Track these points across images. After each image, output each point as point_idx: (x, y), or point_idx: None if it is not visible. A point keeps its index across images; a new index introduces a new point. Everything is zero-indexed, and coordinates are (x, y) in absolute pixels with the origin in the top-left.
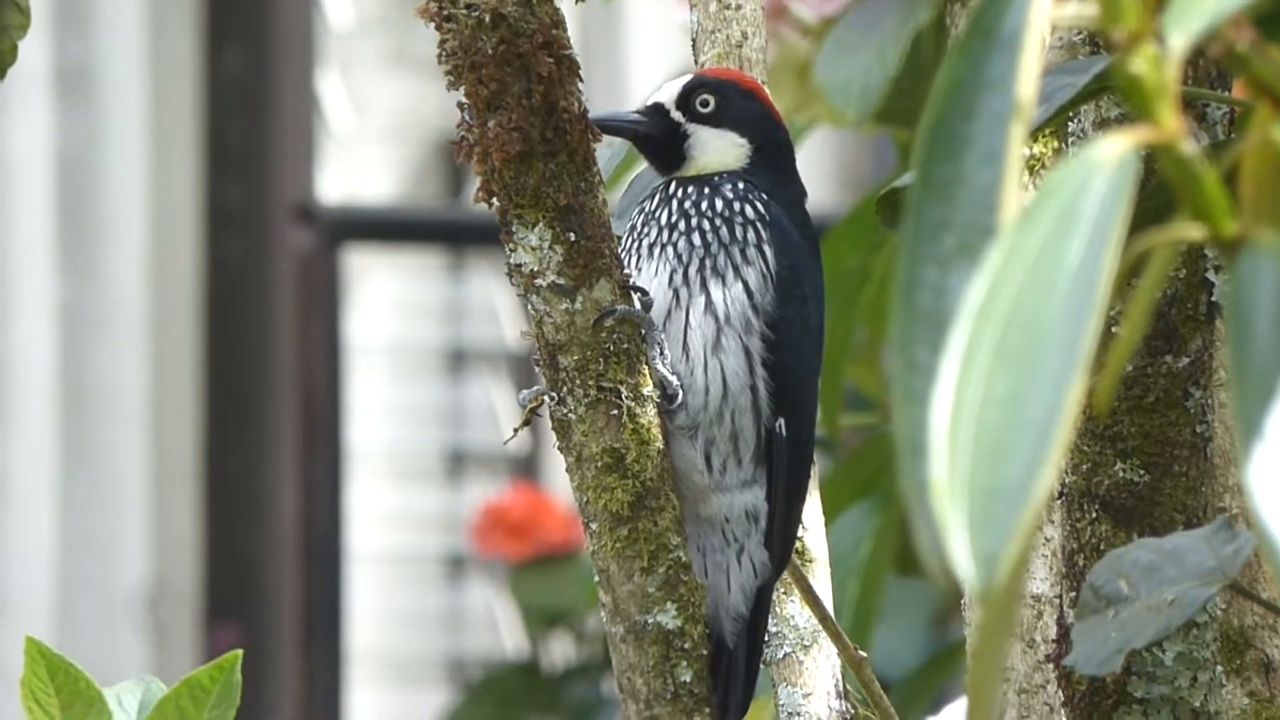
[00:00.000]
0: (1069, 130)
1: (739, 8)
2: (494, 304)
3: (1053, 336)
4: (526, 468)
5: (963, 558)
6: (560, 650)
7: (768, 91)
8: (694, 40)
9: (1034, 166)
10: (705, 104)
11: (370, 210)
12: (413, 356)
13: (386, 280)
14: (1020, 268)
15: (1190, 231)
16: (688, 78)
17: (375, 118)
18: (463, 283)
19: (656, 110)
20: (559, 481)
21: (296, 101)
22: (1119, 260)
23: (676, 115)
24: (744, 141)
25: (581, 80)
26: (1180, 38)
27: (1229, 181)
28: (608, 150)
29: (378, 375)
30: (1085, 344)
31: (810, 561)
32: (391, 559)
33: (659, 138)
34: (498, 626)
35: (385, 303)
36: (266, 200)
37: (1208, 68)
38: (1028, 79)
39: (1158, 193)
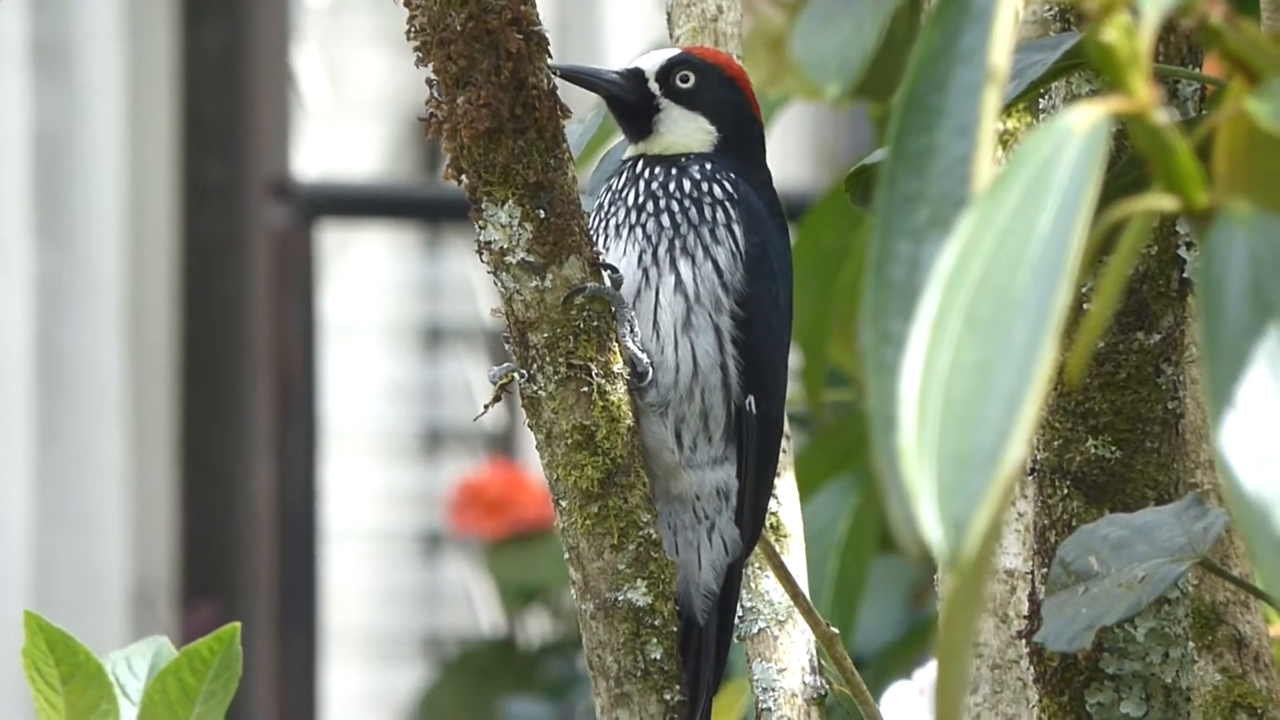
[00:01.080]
0: (1040, 107)
1: None
2: (470, 281)
3: (1023, 305)
4: (503, 444)
5: (932, 524)
6: (536, 627)
7: (750, 79)
8: (669, 14)
9: (1006, 142)
10: (685, 79)
11: (346, 186)
12: (389, 333)
13: (363, 257)
14: (991, 236)
15: (1163, 202)
16: (675, 51)
17: (352, 94)
18: (439, 259)
19: (635, 75)
20: (535, 458)
21: (273, 77)
22: (1092, 230)
23: (654, 86)
24: (712, 129)
25: (551, 56)
26: (1154, 7)
27: (1202, 155)
28: (578, 126)
29: (354, 352)
30: (1055, 312)
31: (785, 537)
32: (368, 536)
33: (631, 103)
34: (474, 603)
35: (361, 279)
36: (243, 176)
37: (1179, 45)
38: (1000, 50)
39: (1130, 168)
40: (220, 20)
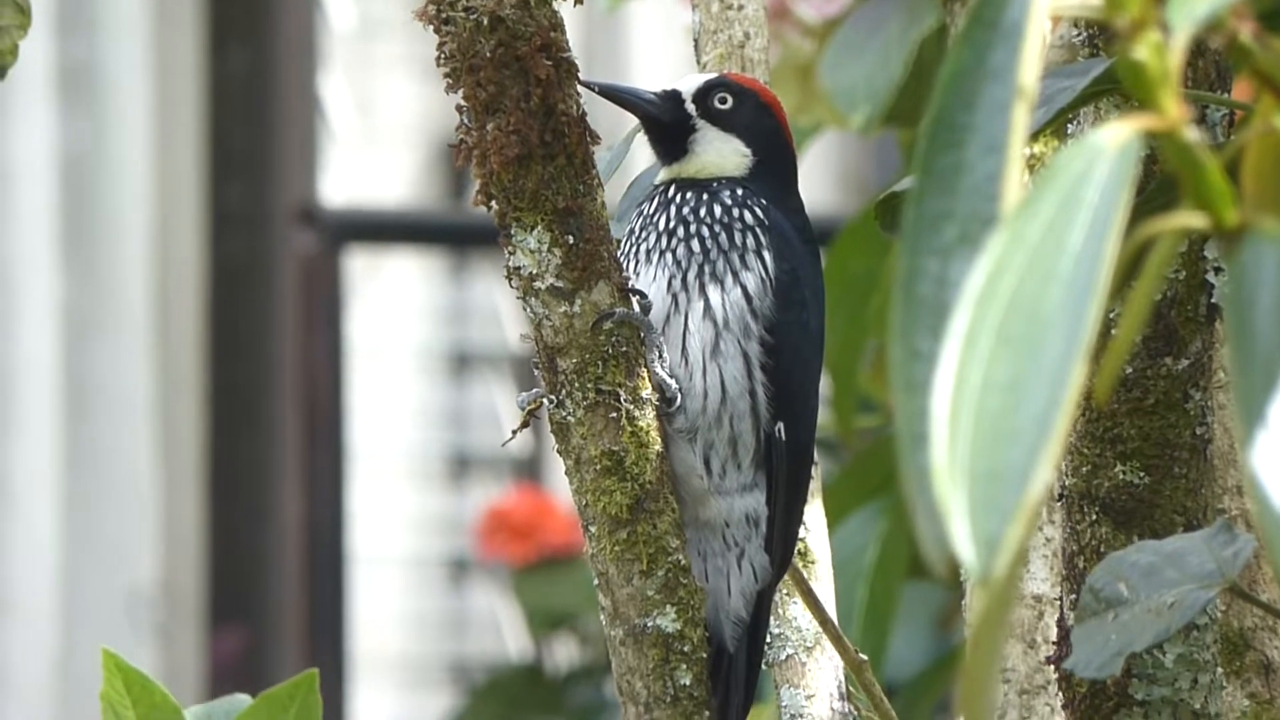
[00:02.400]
0: (1068, 133)
1: (741, 8)
2: (496, 306)
3: (1054, 322)
4: (529, 470)
5: (963, 541)
6: (564, 652)
7: (783, 105)
8: (696, 41)
9: (1034, 166)
10: (723, 101)
11: (373, 212)
12: (415, 359)
13: (389, 282)
14: (1022, 253)
15: (1192, 220)
16: (712, 74)
17: (378, 120)
18: (465, 285)
19: (672, 97)
20: (562, 483)
21: (299, 103)
22: (1122, 248)
23: (690, 107)
24: (748, 151)
25: (581, 81)
26: (1184, 25)
27: (1230, 176)
28: (607, 153)
29: (380, 377)
30: (1087, 330)
31: (812, 563)
32: (395, 561)
33: (667, 124)
34: (501, 629)
35: (388, 305)
36: (269, 202)
37: (1207, 70)
38: (1029, 68)
39: (1158, 193)
40: (246, 46)
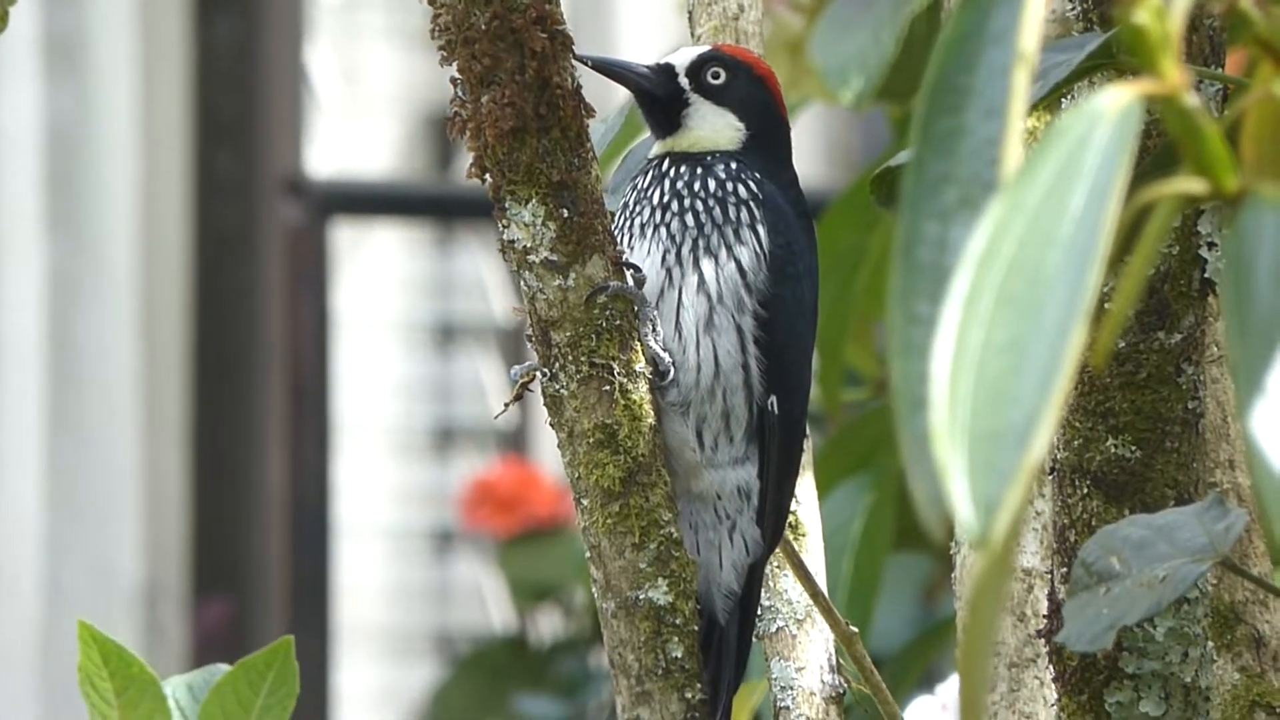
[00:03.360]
0: (1063, 108)
1: None
2: (483, 278)
3: (1055, 285)
4: (515, 442)
5: (962, 501)
6: (548, 625)
7: (778, 78)
8: (690, 12)
9: (1026, 140)
10: (716, 76)
11: (360, 184)
12: (401, 330)
13: (375, 253)
14: (1022, 216)
15: (1192, 185)
16: (706, 48)
17: (365, 90)
18: (452, 257)
19: (665, 70)
20: (548, 455)
21: (286, 74)
22: (1122, 214)
23: (684, 81)
24: (740, 125)
25: (575, 55)
26: None
27: (1228, 144)
28: (601, 126)
29: (366, 349)
30: (1087, 292)
31: (803, 536)
32: (380, 533)
33: (660, 98)
34: (486, 601)
35: (374, 276)
36: (256, 172)
37: (1201, 45)
38: (1031, 32)
39: (1159, 161)
40: (233, 15)
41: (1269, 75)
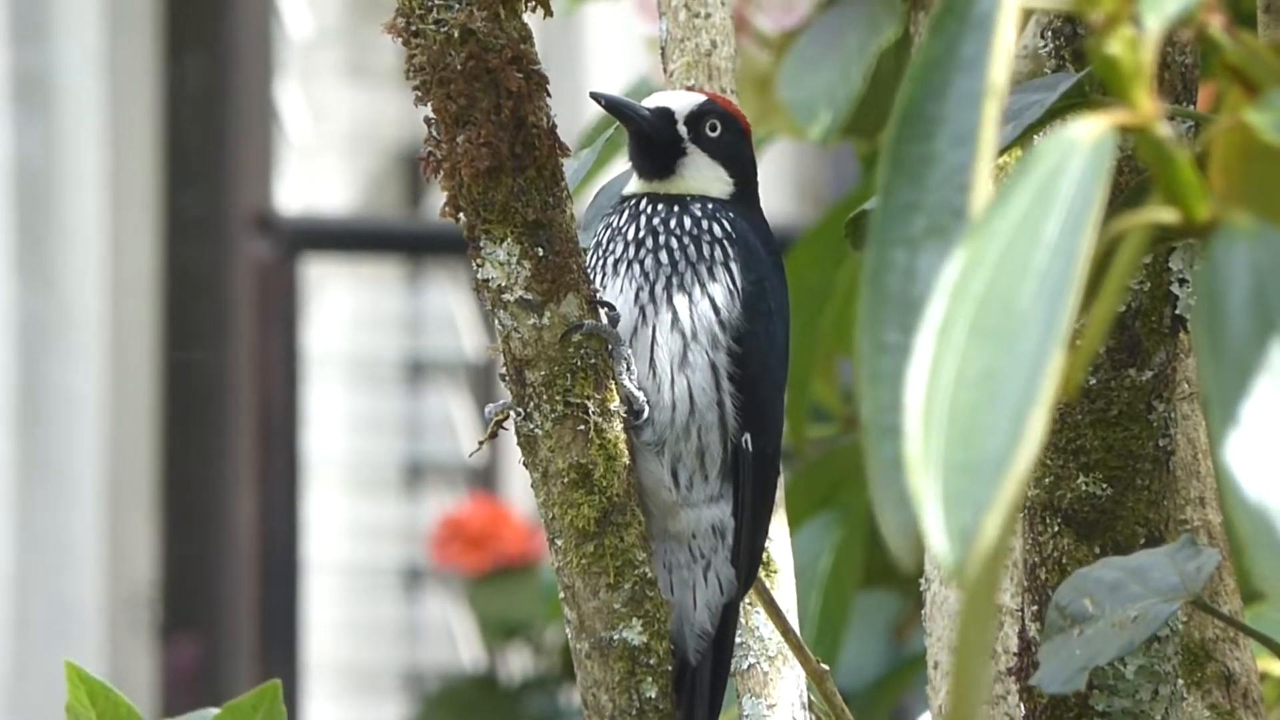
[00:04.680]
0: (1034, 140)
1: (708, 16)
2: (452, 314)
3: (1029, 316)
4: (485, 479)
5: (937, 533)
6: (518, 662)
7: (746, 117)
8: (663, 48)
9: (997, 176)
10: (714, 129)
11: (329, 220)
12: (371, 367)
13: (345, 290)
14: (996, 246)
15: (1164, 214)
16: (700, 97)
17: (334, 128)
18: (421, 293)
19: (664, 115)
20: (517, 492)
21: (255, 111)
22: (1095, 242)
23: (682, 129)
24: (729, 181)
25: (550, 95)
26: (1156, 19)
27: (1200, 171)
28: (573, 163)
29: (336, 385)
30: (1063, 323)
31: (775, 572)
32: (349, 570)
33: (656, 144)
34: (455, 638)
35: (343, 313)
36: (225, 210)
37: (1173, 82)
38: (1001, 59)
39: (1131, 198)
40: (202, 53)
41: (1238, 102)
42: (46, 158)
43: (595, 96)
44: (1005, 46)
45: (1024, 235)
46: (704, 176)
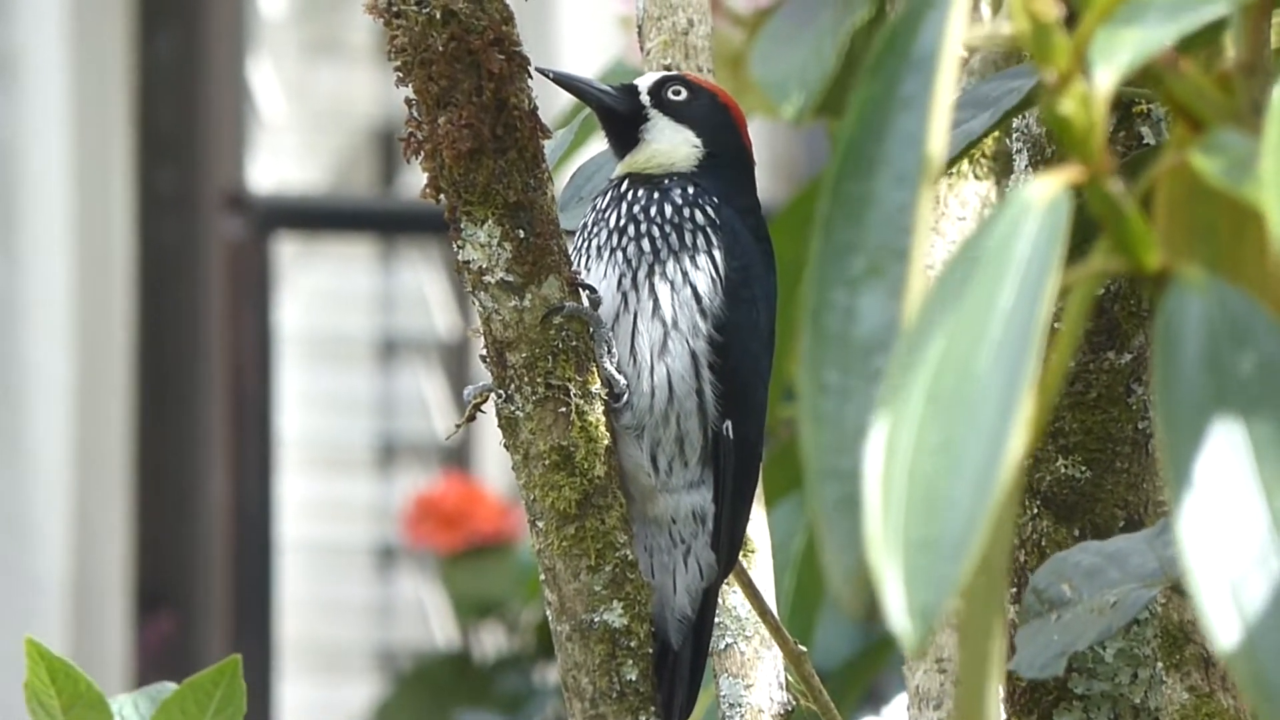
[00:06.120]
0: (1014, 126)
1: None
2: (425, 293)
3: (987, 384)
4: (458, 457)
5: (898, 614)
6: (492, 641)
7: (742, 111)
8: (640, 27)
9: (973, 156)
10: (677, 93)
11: (301, 199)
12: (343, 346)
13: (317, 269)
14: (949, 312)
15: (1112, 264)
16: (672, 73)
17: (306, 106)
18: (393, 272)
19: (628, 90)
20: (491, 471)
21: (228, 88)
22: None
23: (644, 99)
24: (698, 143)
25: (531, 77)
26: (1108, 75)
27: (1146, 204)
28: (550, 143)
29: (308, 364)
30: (1022, 394)
31: (752, 553)
32: (322, 549)
33: (621, 114)
34: (429, 617)
35: (316, 292)
36: (198, 187)
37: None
38: (943, 98)
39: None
40: (175, 30)
41: (1182, 140)
42: (15, 135)
43: (542, 72)
44: (948, 85)
45: (977, 303)
46: (669, 140)
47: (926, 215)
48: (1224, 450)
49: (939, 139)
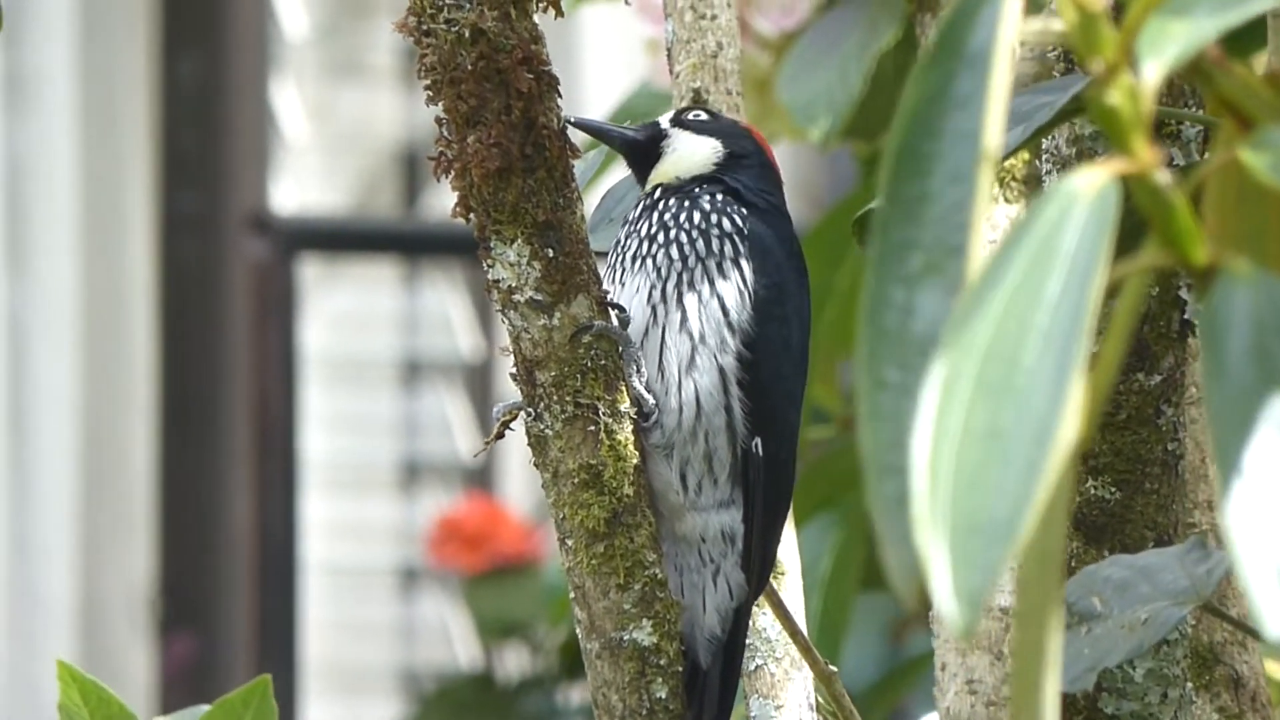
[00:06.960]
0: (1043, 147)
1: (714, 18)
2: (448, 314)
3: (1036, 373)
4: (481, 478)
5: (945, 597)
6: (515, 662)
7: (766, 139)
8: (669, 50)
9: (1004, 179)
10: (698, 116)
11: (324, 220)
12: (367, 367)
13: (340, 290)
14: (996, 302)
15: (1161, 259)
16: (696, 105)
17: (329, 127)
18: (417, 293)
19: (652, 125)
20: (514, 492)
21: (251, 110)
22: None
23: (665, 126)
24: (717, 144)
25: (560, 96)
26: (1155, 67)
27: (1194, 202)
28: (580, 164)
29: (331, 385)
30: (1071, 383)
31: (782, 574)
32: (345, 570)
33: (644, 145)
34: (452, 638)
35: (339, 313)
36: (221, 210)
37: (1182, 85)
38: (998, 96)
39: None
40: (198, 52)
41: (1231, 137)
42: (25, 156)
43: (566, 121)
44: (1002, 83)
45: (1024, 294)
46: (689, 146)
47: (983, 212)
48: (1271, 440)
49: (995, 135)
